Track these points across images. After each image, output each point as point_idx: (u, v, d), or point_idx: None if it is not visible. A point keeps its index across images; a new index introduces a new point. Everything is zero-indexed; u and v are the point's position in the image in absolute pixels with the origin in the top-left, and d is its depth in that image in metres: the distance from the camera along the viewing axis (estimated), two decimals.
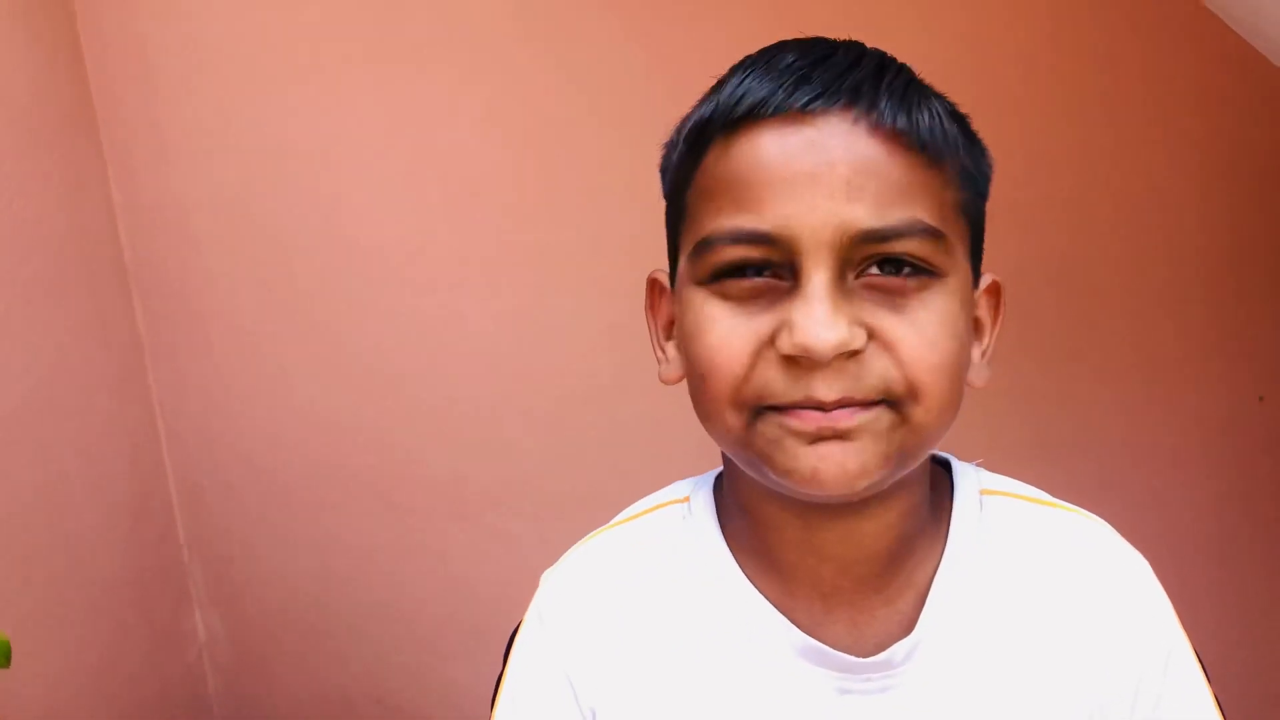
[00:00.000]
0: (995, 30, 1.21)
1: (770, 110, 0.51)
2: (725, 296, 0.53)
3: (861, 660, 0.58)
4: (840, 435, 0.52)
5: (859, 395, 0.51)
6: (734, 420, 0.53)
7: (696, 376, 0.54)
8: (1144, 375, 1.28)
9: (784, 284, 0.52)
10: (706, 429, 0.57)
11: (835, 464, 0.52)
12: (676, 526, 0.64)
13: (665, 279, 0.61)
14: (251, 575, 1.52)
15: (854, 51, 0.55)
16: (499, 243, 1.34)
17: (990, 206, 1.29)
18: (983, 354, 0.59)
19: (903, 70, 0.55)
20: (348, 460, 1.44)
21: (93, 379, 1.37)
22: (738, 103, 0.52)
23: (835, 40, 0.56)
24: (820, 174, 0.50)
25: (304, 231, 1.37)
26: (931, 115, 0.53)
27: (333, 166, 1.35)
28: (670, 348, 0.61)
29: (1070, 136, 1.23)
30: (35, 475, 1.27)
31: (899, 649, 0.57)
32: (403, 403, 1.41)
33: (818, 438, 0.52)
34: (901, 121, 0.52)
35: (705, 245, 0.53)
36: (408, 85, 1.31)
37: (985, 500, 0.62)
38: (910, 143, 0.52)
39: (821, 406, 0.51)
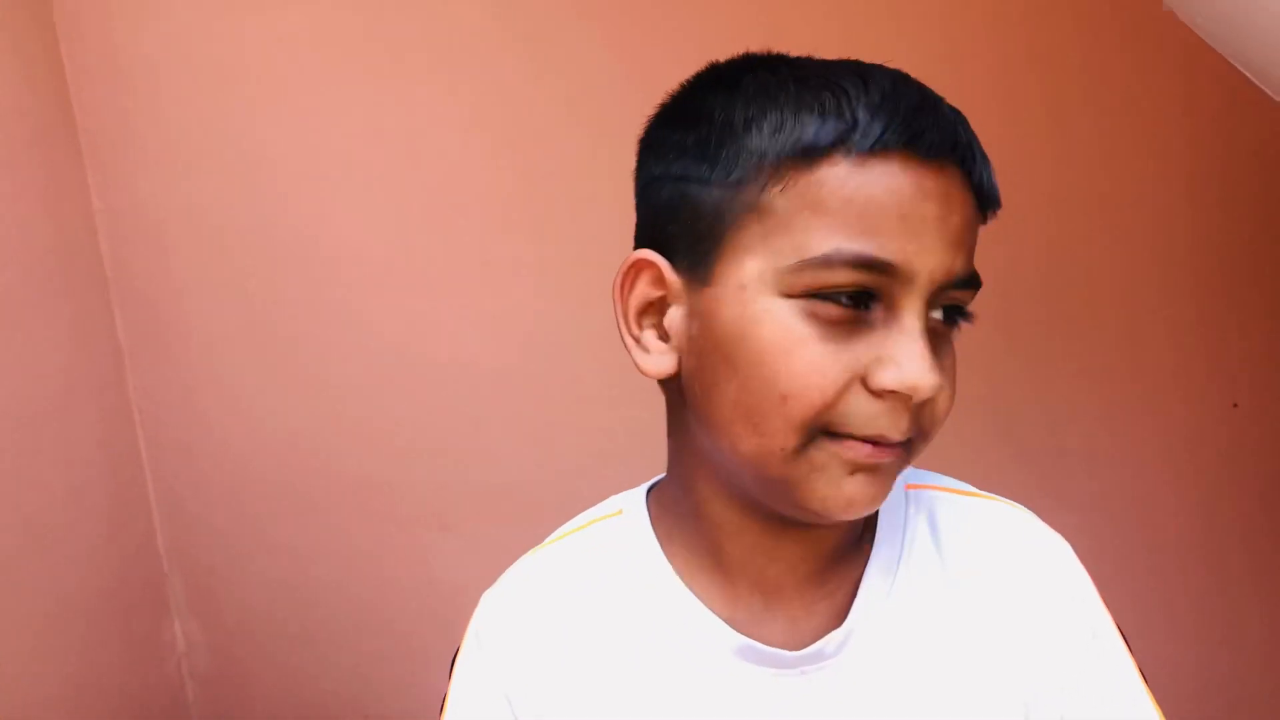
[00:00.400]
0: (975, 37, 1.22)
1: (919, 151, 0.52)
2: (817, 317, 0.52)
3: (794, 654, 0.59)
4: (877, 470, 0.54)
5: (912, 433, 0.54)
6: (791, 441, 0.53)
7: (772, 395, 0.53)
8: (1124, 381, 1.30)
9: (871, 315, 0.53)
10: (738, 443, 0.55)
11: (869, 495, 0.55)
12: (611, 538, 0.65)
13: (658, 261, 0.58)
14: (232, 585, 1.51)
15: (946, 103, 0.57)
16: (481, 251, 1.34)
17: None
18: None
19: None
20: (329, 469, 1.43)
21: (72, 388, 1.36)
22: (885, 130, 0.52)
23: (916, 80, 0.58)
24: (943, 220, 0.53)
25: (286, 240, 1.37)
26: (994, 178, 0.57)
27: (314, 175, 1.35)
28: (649, 337, 0.59)
29: (1052, 144, 1.24)
30: (13, 485, 1.26)
31: (830, 641, 0.59)
32: (385, 411, 1.40)
33: (859, 470, 0.54)
34: (995, 190, 0.56)
35: (820, 263, 0.52)
36: (388, 94, 1.31)
37: (911, 494, 0.65)
38: (987, 208, 0.56)
39: (885, 440, 0.53)
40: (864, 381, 0.53)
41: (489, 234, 1.33)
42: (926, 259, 0.52)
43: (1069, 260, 1.27)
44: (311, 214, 1.36)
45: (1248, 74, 0.91)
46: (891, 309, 0.53)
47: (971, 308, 0.57)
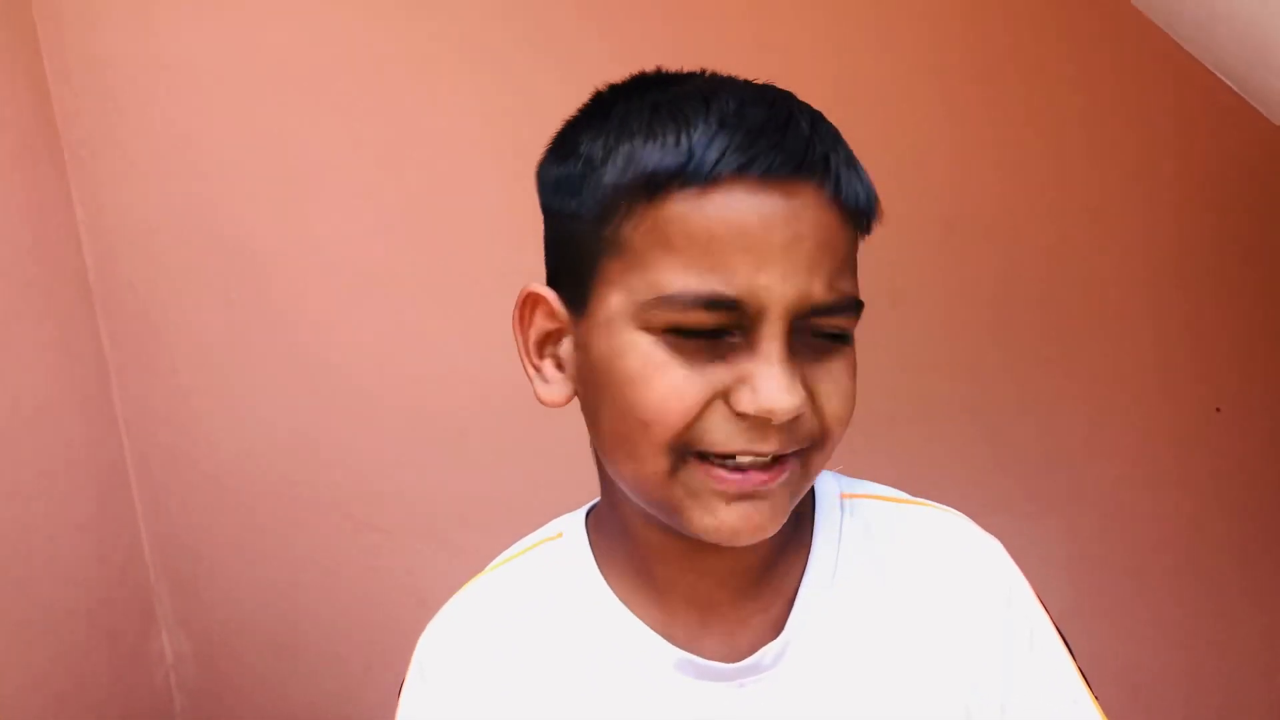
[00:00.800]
0: (963, 49, 1.23)
1: (754, 174, 0.51)
2: (677, 346, 0.53)
3: (732, 666, 0.60)
4: (761, 495, 0.54)
5: (789, 448, 0.54)
6: (660, 464, 0.54)
7: (634, 421, 0.54)
8: (1110, 386, 1.30)
9: (734, 340, 0.53)
10: (620, 469, 0.57)
11: (755, 524, 0.54)
12: (551, 562, 0.65)
13: (548, 294, 0.60)
14: (219, 596, 1.51)
15: (806, 113, 0.55)
16: (467, 259, 1.34)
17: (955, 218, 1.31)
18: None
19: (841, 136, 0.57)
20: (316, 479, 1.43)
21: (57, 399, 1.35)
22: (719, 159, 0.51)
23: (778, 91, 0.57)
24: (792, 246, 0.52)
25: (269, 249, 1.37)
26: (869, 186, 0.56)
27: (299, 184, 1.34)
28: (548, 367, 0.61)
29: (1040, 154, 1.25)
30: None
31: (767, 652, 0.60)
32: (371, 421, 1.40)
33: (740, 498, 0.54)
34: (863, 199, 0.54)
35: (670, 302, 0.52)
36: (373, 102, 1.31)
37: (846, 503, 0.65)
38: (859, 217, 0.55)
39: (757, 456, 0.53)
40: (726, 401, 0.53)
41: (476, 243, 1.33)
42: (778, 288, 0.51)
43: (1055, 267, 1.27)
44: (295, 224, 1.36)
45: (1226, 79, 0.92)
46: (750, 334, 0.53)
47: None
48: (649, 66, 0.62)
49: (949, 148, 1.25)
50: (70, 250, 1.39)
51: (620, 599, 0.62)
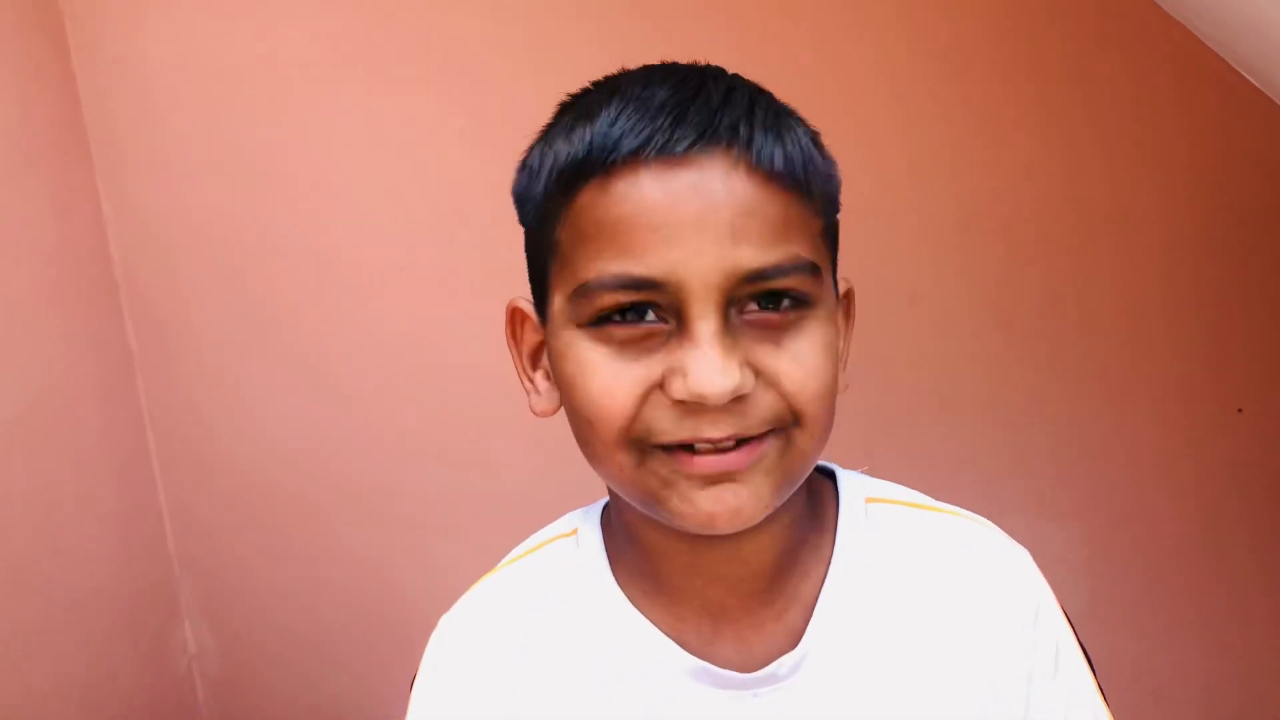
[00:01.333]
0: (972, 44, 1.23)
1: (651, 153, 0.51)
2: (608, 340, 0.53)
3: (747, 676, 0.58)
4: (734, 478, 0.53)
5: (747, 432, 0.52)
6: (624, 460, 0.53)
7: (583, 421, 0.54)
8: (1127, 386, 1.29)
9: (667, 327, 0.52)
10: (596, 470, 0.57)
11: (730, 508, 0.53)
12: (564, 561, 0.65)
13: (528, 307, 0.60)
14: (242, 588, 1.52)
15: (722, 84, 0.54)
16: (484, 258, 1.34)
17: (973, 217, 1.31)
18: (842, 363, 0.59)
19: (768, 99, 0.56)
20: (338, 473, 1.44)
21: (83, 392, 1.37)
22: (616, 144, 0.51)
23: (700, 67, 0.56)
24: (705, 218, 0.50)
25: (293, 246, 1.38)
26: (800, 147, 0.54)
27: (321, 182, 1.36)
28: (539, 378, 0.61)
29: (1051, 149, 1.24)
30: (25, 488, 1.27)
31: (784, 663, 0.58)
32: (392, 416, 1.41)
33: (712, 481, 0.53)
34: (779, 160, 0.52)
35: (586, 290, 0.52)
36: (393, 101, 1.32)
37: (870, 508, 0.63)
38: (786, 179, 0.52)
39: (711, 443, 0.52)
40: (664, 389, 0.52)
41: (493, 239, 1.33)
42: (694, 264, 0.50)
43: (1074, 267, 1.27)
44: (319, 221, 1.37)
45: (1248, 76, 0.91)
46: (680, 318, 0.52)
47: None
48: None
49: (967, 148, 1.25)
50: (97, 246, 1.41)
51: (632, 602, 0.61)
